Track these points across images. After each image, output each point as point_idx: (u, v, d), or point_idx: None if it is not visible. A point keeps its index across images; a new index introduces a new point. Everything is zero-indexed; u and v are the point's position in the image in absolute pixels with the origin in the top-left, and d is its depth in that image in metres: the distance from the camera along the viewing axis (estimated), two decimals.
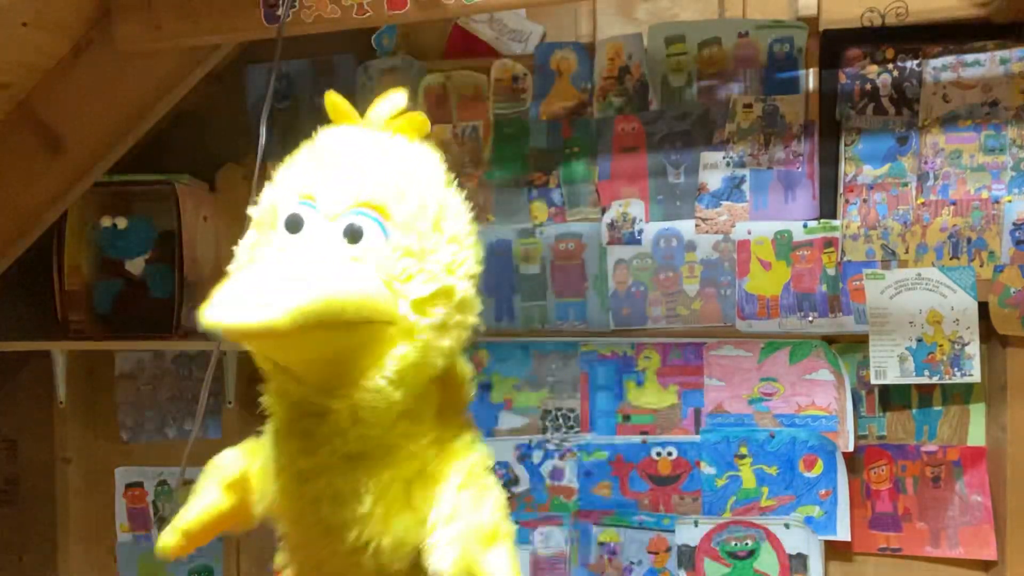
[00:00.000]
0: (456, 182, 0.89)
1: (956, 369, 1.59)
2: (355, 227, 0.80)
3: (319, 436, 0.83)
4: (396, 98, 0.90)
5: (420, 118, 0.90)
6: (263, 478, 0.90)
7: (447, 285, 0.83)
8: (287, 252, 0.79)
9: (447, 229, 0.85)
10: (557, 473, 1.74)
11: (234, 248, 0.87)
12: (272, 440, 0.89)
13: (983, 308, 1.57)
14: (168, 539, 0.90)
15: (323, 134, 0.88)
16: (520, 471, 1.75)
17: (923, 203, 1.61)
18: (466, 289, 0.86)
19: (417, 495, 0.86)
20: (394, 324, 0.79)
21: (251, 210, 0.87)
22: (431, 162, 0.89)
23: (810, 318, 1.66)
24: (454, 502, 0.85)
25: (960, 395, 1.63)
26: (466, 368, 0.96)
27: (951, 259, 1.60)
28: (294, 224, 0.81)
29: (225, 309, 0.68)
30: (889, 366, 1.61)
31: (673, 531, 1.69)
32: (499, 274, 1.76)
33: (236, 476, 0.92)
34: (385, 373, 0.80)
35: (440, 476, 0.87)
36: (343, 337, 0.76)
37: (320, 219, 0.80)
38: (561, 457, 1.74)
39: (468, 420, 0.96)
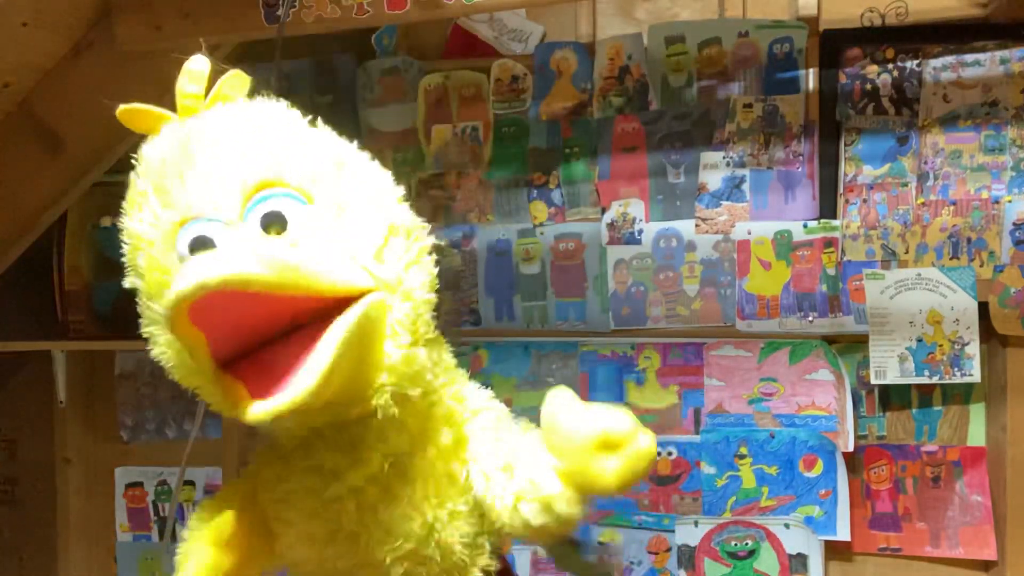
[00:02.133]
0: (306, 115, 0.79)
1: (956, 369, 1.59)
2: (273, 214, 0.70)
3: (368, 441, 0.77)
4: (195, 66, 0.78)
5: (238, 75, 0.78)
6: (287, 515, 0.81)
7: (389, 222, 0.74)
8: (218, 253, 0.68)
9: (349, 164, 0.76)
10: None
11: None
12: (295, 467, 0.80)
13: (983, 308, 1.57)
14: None
15: (146, 150, 0.76)
16: None
17: (923, 203, 1.61)
18: (403, 214, 0.77)
19: (452, 462, 0.80)
20: (375, 288, 0.71)
21: (129, 284, 0.78)
22: (283, 110, 0.78)
23: (810, 318, 1.66)
24: (507, 449, 0.77)
25: (960, 395, 1.63)
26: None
27: (951, 259, 1.60)
28: (201, 246, 0.69)
29: (188, 276, 0.62)
30: (889, 366, 1.61)
31: (673, 531, 1.69)
32: (499, 274, 1.76)
33: (229, 533, 0.80)
34: (402, 340, 0.73)
35: (466, 440, 0.81)
36: (355, 337, 0.68)
37: (224, 228, 0.69)
38: None
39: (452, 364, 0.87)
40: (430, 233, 0.79)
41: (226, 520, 0.81)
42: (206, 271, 0.61)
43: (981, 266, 1.59)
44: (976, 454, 1.62)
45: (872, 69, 1.62)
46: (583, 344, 1.75)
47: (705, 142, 1.69)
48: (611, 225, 1.73)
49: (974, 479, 1.62)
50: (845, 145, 1.64)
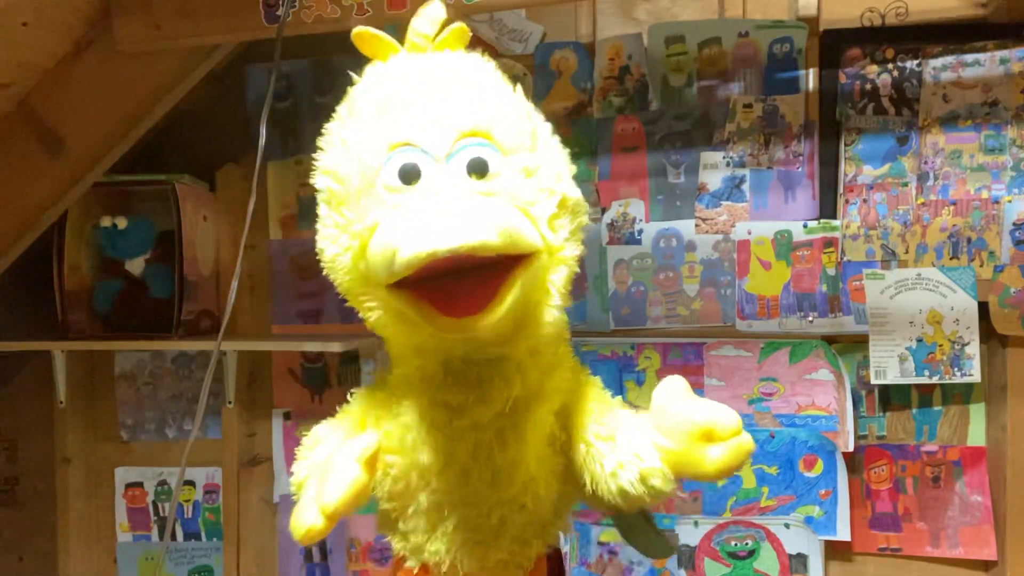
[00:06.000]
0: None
1: (956, 369, 1.59)
2: (479, 160, 0.75)
3: (495, 382, 0.81)
4: (433, 10, 0.84)
5: (462, 28, 0.84)
6: (401, 445, 0.84)
7: (564, 194, 0.80)
8: (432, 199, 0.72)
9: (541, 135, 0.82)
10: None
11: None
12: (418, 401, 0.84)
13: (983, 308, 1.57)
14: (316, 523, 0.77)
15: (374, 72, 0.83)
16: None
17: (923, 203, 1.61)
18: (574, 190, 0.83)
19: (557, 426, 0.85)
20: (544, 251, 0.77)
21: (318, 181, 0.81)
22: (493, 70, 0.84)
23: (810, 318, 1.66)
24: (611, 421, 0.84)
25: (960, 395, 1.63)
26: None
27: (951, 259, 1.60)
28: (410, 173, 0.75)
29: (437, 235, 0.67)
30: (889, 366, 1.61)
31: (673, 531, 1.69)
32: None
33: (374, 451, 0.82)
34: (554, 301, 0.79)
35: (576, 410, 0.86)
36: (526, 286, 0.75)
37: (432, 162, 0.75)
38: None
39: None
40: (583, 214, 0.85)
41: (370, 440, 0.82)
42: (454, 237, 0.67)
43: (981, 266, 1.59)
44: (976, 454, 1.62)
45: (872, 69, 1.62)
46: (583, 344, 1.75)
47: (705, 142, 1.69)
48: (611, 225, 1.73)
49: (974, 479, 1.62)
50: (845, 145, 1.64)
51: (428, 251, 0.66)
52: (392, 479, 0.85)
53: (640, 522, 0.95)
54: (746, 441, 0.75)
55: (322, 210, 0.81)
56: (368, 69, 0.83)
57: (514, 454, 0.82)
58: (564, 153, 0.84)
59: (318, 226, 0.82)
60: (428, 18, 0.84)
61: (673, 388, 0.80)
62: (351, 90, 0.83)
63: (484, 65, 0.83)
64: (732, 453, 0.74)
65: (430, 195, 0.73)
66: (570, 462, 0.86)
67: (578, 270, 0.83)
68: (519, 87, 0.83)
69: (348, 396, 0.93)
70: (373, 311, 0.80)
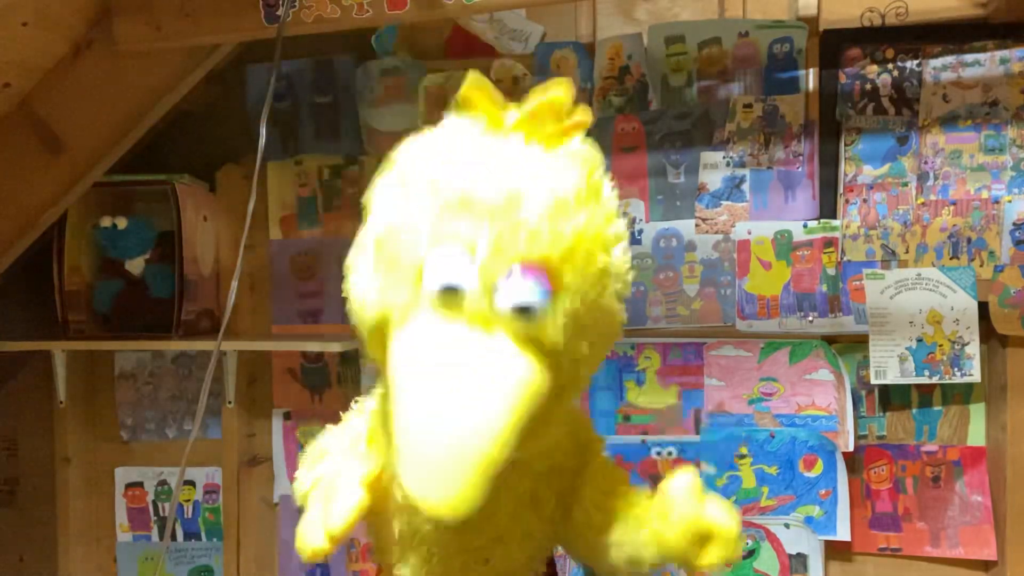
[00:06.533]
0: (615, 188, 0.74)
1: (956, 369, 1.59)
2: (527, 307, 0.65)
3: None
4: (554, 94, 0.71)
5: (584, 116, 0.73)
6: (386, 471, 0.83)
7: (605, 336, 0.74)
8: (455, 365, 0.65)
9: (611, 270, 0.71)
10: None
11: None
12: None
13: (983, 308, 1.57)
14: (321, 545, 0.77)
15: (463, 140, 0.72)
16: None
17: (923, 203, 1.61)
18: (617, 327, 0.76)
19: (543, 489, 0.85)
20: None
21: (367, 233, 0.73)
22: (601, 185, 0.73)
23: (810, 318, 1.66)
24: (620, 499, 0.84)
25: (960, 395, 1.63)
26: None
27: (951, 259, 1.60)
28: (450, 300, 0.66)
29: (431, 487, 0.64)
30: (889, 366, 1.61)
31: None
32: None
33: (376, 473, 0.80)
34: (564, 418, 0.79)
35: (571, 474, 0.86)
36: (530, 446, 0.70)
37: (478, 282, 0.66)
38: None
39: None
40: None
41: (373, 464, 0.81)
42: (444, 494, 0.63)
43: (981, 266, 1.59)
44: (976, 454, 1.62)
45: (872, 69, 1.62)
46: None
47: (705, 142, 1.69)
48: None
49: (974, 479, 1.62)
50: (845, 145, 1.64)
51: (422, 501, 0.64)
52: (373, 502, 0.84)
53: None
54: (739, 549, 0.79)
55: (368, 249, 0.73)
56: (455, 122, 0.74)
57: (483, 512, 0.77)
58: (624, 298, 0.74)
59: (356, 259, 0.75)
60: (553, 105, 0.71)
61: (681, 483, 0.80)
62: (418, 140, 0.75)
63: (592, 174, 0.72)
64: (721, 557, 0.77)
65: (441, 372, 0.65)
66: (559, 526, 0.86)
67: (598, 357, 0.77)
68: (612, 179, 0.74)
69: (352, 404, 0.93)
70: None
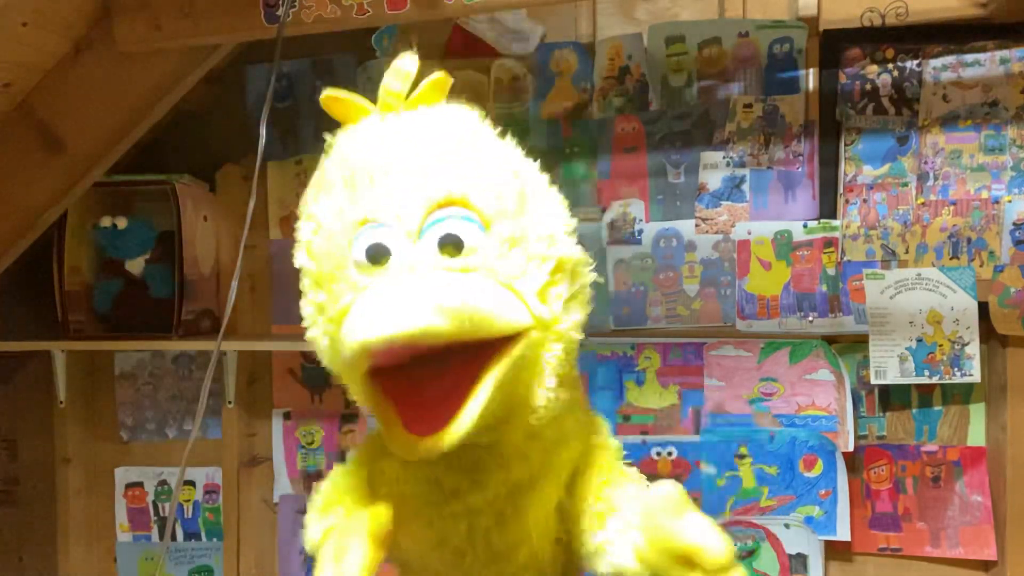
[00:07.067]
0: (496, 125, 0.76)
1: (956, 369, 1.59)
2: (451, 236, 0.68)
3: (490, 467, 0.76)
4: (404, 65, 0.75)
5: (441, 79, 0.75)
6: (396, 514, 0.79)
7: (559, 258, 0.72)
8: (391, 281, 0.66)
9: (531, 193, 0.74)
10: None
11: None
12: (413, 477, 0.79)
13: (983, 308, 1.57)
14: None
15: (343, 140, 0.75)
16: None
17: (923, 203, 1.61)
18: (572, 250, 0.75)
19: (565, 496, 0.81)
20: (532, 327, 0.70)
21: (300, 263, 0.75)
22: (477, 123, 0.76)
23: (810, 318, 1.66)
24: (611, 498, 0.78)
25: (960, 395, 1.63)
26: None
27: (951, 259, 1.60)
28: (378, 254, 0.68)
29: (373, 323, 0.61)
30: (889, 366, 1.61)
31: None
32: None
33: (387, 527, 0.76)
34: (548, 383, 0.73)
35: (587, 475, 0.81)
36: (504, 381, 0.67)
37: (403, 238, 0.68)
38: None
39: (583, 397, 0.88)
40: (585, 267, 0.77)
41: (383, 513, 0.77)
42: (389, 324, 0.61)
43: (981, 266, 1.59)
44: (976, 454, 1.62)
45: (872, 69, 1.62)
46: (583, 344, 1.74)
47: (705, 142, 1.69)
48: (611, 225, 1.73)
49: (974, 479, 1.62)
50: (845, 145, 1.64)
51: (360, 342, 0.61)
52: (394, 542, 0.81)
53: None
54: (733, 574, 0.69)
55: (304, 285, 0.75)
56: (339, 136, 0.76)
57: (514, 536, 0.78)
58: (561, 208, 0.76)
59: (301, 302, 0.76)
60: (398, 73, 0.75)
61: (665, 497, 0.72)
62: (322, 160, 0.76)
63: (464, 119, 0.75)
64: None
65: (392, 277, 0.67)
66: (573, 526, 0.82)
67: (581, 337, 0.77)
68: (508, 138, 0.76)
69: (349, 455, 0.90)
70: (358, 396, 0.75)
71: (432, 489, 0.78)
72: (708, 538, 0.68)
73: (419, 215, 0.68)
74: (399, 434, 0.68)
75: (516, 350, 0.68)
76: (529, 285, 0.70)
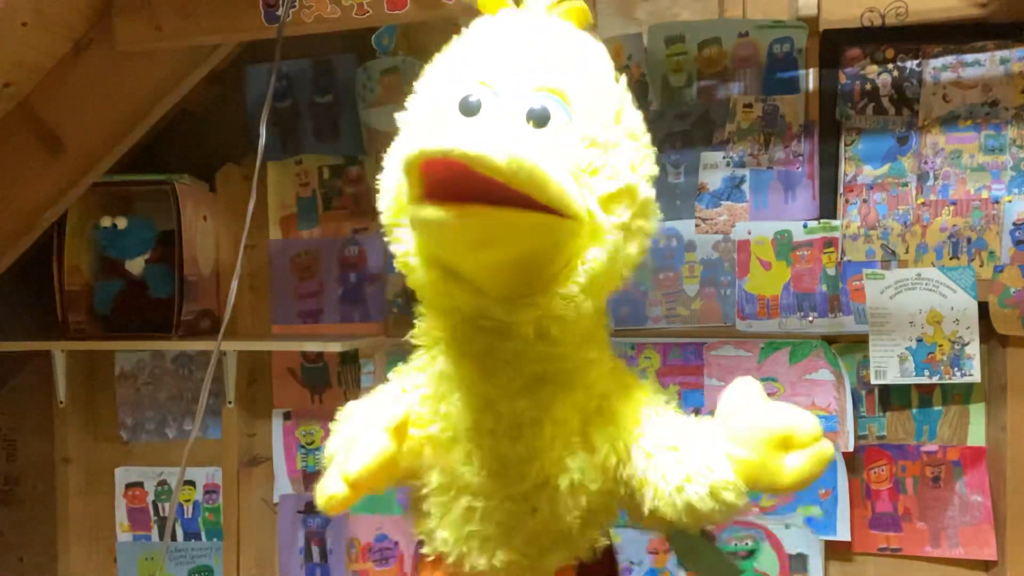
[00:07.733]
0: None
1: (956, 369, 1.59)
2: (541, 109, 0.72)
3: (501, 354, 0.77)
4: None
5: (582, 8, 0.82)
6: (424, 416, 0.83)
7: (631, 183, 0.75)
8: (472, 123, 0.72)
9: (626, 122, 0.78)
10: None
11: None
12: (439, 370, 0.82)
13: (983, 308, 1.57)
14: (338, 491, 0.76)
15: (480, 22, 0.82)
16: None
17: (923, 203, 1.61)
18: (648, 191, 0.78)
19: (595, 434, 0.80)
20: (581, 222, 0.72)
21: (400, 116, 0.80)
22: (604, 53, 0.82)
23: (810, 318, 1.66)
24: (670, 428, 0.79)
25: (960, 395, 1.63)
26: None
27: (951, 259, 1.60)
28: (470, 107, 0.73)
29: (436, 138, 0.64)
30: (889, 366, 1.61)
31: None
32: None
33: (402, 420, 0.78)
34: (577, 279, 0.73)
35: (623, 416, 0.80)
36: (539, 230, 0.69)
37: (499, 103, 0.73)
38: None
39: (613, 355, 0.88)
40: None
41: (398, 409, 0.79)
42: (455, 140, 0.63)
43: (981, 266, 1.59)
44: (976, 454, 1.62)
45: (872, 69, 1.62)
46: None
47: (705, 142, 1.69)
48: None
49: (974, 479, 1.62)
50: (845, 145, 1.64)
51: (420, 148, 0.64)
52: (410, 452, 0.82)
53: (702, 544, 0.89)
54: (826, 448, 0.71)
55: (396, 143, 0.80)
56: (476, 20, 0.83)
57: (525, 450, 0.78)
58: (650, 155, 0.80)
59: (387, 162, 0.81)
60: None
61: (744, 391, 0.74)
62: (454, 40, 0.83)
63: (591, 42, 0.81)
64: (812, 461, 0.70)
65: (477, 122, 0.72)
66: (618, 475, 0.80)
67: (627, 274, 0.79)
68: (623, 77, 0.81)
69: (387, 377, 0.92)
70: (401, 244, 0.77)
71: (467, 363, 0.80)
72: (801, 417, 0.70)
73: (523, 89, 0.73)
74: (426, 209, 0.67)
75: (561, 223, 0.70)
76: (595, 185, 0.73)
